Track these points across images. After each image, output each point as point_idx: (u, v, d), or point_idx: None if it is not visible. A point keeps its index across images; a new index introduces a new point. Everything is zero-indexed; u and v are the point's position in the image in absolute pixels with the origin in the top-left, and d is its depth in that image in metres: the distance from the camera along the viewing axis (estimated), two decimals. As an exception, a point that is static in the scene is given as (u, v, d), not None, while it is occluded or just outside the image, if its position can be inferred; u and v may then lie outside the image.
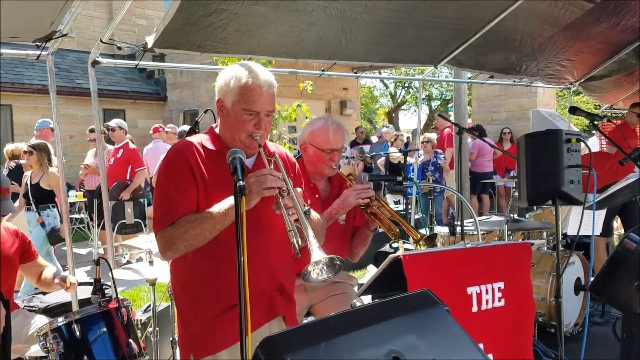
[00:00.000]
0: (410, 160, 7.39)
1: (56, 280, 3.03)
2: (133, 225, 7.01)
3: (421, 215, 6.66)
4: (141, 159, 7.72)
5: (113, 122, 7.70)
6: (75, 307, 3.40)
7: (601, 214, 3.34)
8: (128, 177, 7.40)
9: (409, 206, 5.05)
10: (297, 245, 1.85)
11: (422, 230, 4.67)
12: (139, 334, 3.51)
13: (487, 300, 2.31)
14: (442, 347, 0.96)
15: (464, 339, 0.99)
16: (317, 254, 1.82)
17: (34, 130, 7.54)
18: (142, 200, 7.62)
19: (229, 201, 1.92)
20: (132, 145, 7.65)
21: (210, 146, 2.11)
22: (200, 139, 2.14)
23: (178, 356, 2.91)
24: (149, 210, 7.59)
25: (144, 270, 2.96)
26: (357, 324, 0.94)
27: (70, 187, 9.78)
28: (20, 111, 12.08)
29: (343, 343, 0.89)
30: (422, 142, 8.08)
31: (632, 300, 1.87)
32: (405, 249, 2.32)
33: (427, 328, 0.98)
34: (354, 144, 12.35)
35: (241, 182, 1.68)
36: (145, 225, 7.32)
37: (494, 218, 5.43)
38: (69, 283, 2.98)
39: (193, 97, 13.90)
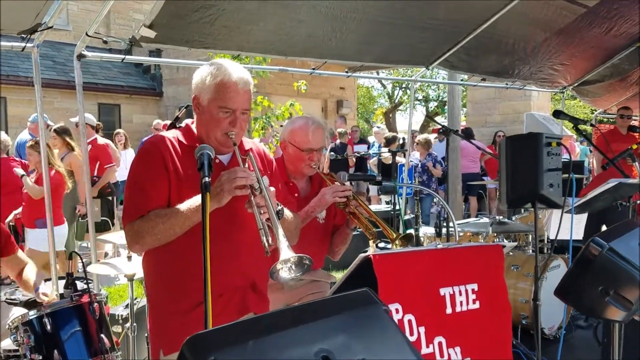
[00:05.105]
0: (401, 160, 7.38)
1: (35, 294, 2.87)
2: (100, 223, 6.70)
3: (411, 216, 6.66)
4: (110, 155, 7.27)
5: (78, 118, 7.34)
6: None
7: (582, 218, 3.34)
8: (96, 174, 6.98)
9: (396, 206, 5.09)
10: (267, 244, 1.86)
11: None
12: (119, 330, 3.51)
13: (461, 302, 2.29)
14: (375, 347, 0.95)
15: (398, 339, 0.98)
16: (286, 253, 1.82)
17: (28, 123, 7.49)
18: (110, 197, 7.25)
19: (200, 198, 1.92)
20: (100, 141, 7.27)
21: (186, 142, 2.11)
22: (176, 135, 2.15)
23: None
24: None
25: (122, 266, 2.95)
26: (289, 322, 0.93)
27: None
28: (14, 104, 12.03)
29: (272, 342, 0.88)
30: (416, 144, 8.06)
31: (596, 305, 1.87)
32: (381, 248, 2.32)
33: (362, 328, 0.97)
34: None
35: (207, 179, 1.68)
36: (112, 225, 6.94)
37: (485, 220, 5.42)
38: (45, 300, 2.79)
39: (189, 93, 13.79)
